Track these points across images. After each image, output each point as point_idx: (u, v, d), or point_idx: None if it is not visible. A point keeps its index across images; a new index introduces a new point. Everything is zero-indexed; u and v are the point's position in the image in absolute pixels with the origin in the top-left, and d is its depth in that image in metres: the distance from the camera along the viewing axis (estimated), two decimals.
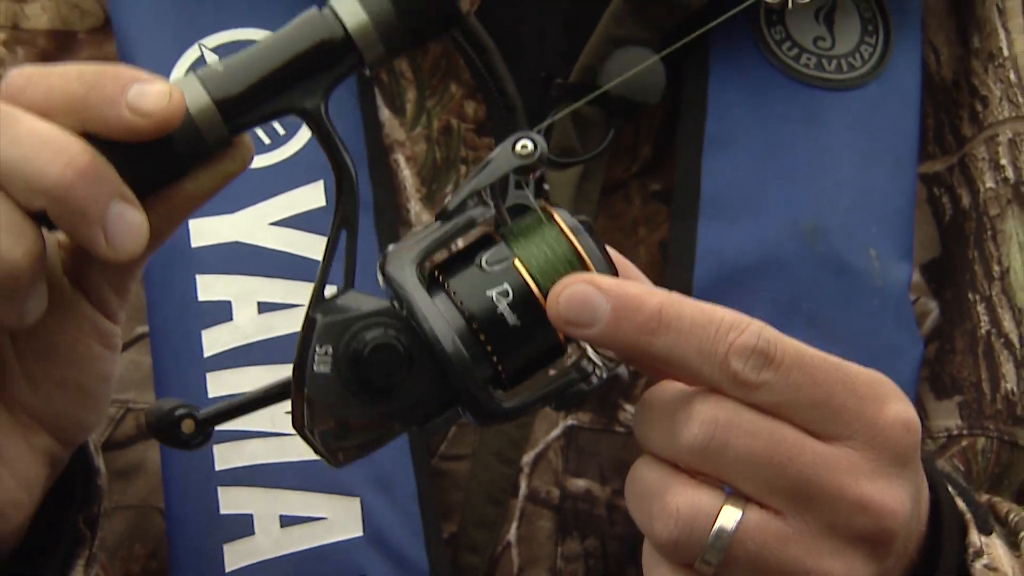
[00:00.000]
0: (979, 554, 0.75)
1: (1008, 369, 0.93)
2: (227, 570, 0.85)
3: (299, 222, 0.87)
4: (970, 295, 0.93)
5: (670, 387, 0.69)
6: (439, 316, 0.67)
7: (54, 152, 0.63)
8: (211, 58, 0.90)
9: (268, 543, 0.85)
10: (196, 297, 0.87)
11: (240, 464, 0.85)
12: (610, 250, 0.70)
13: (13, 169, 0.63)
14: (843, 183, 0.91)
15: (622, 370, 0.70)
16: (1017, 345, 0.93)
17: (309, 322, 0.68)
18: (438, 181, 0.90)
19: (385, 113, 0.91)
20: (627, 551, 0.88)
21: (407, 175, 0.90)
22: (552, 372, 0.71)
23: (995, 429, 0.92)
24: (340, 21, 0.66)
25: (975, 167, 0.95)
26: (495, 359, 0.68)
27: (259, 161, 0.88)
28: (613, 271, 0.69)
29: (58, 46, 0.92)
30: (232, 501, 0.85)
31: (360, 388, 0.67)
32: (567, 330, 0.67)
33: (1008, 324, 0.93)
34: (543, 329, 0.68)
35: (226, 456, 0.85)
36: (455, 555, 0.87)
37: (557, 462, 0.88)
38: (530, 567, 0.88)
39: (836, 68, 0.93)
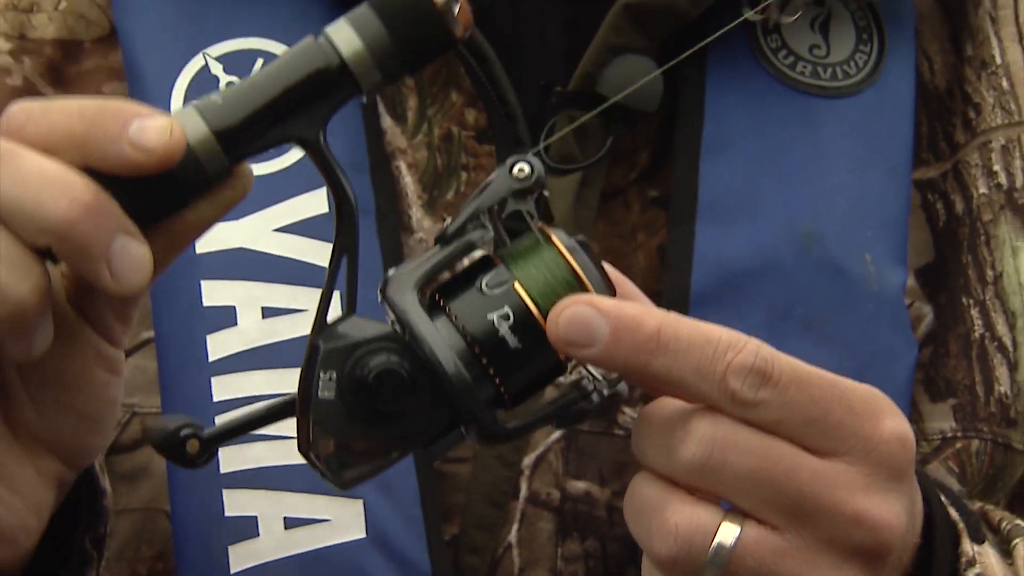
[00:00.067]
0: (971, 563, 0.76)
1: (1002, 372, 0.94)
2: (232, 571, 0.85)
3: (302, 228, 0.88)
4: (964, 299, 0.94)
5: (668, 404, 0.70)
6: (441, 340, 0.68)
7: (58, 190, 0.64)
8: (216, 67, 0.91)
9: (272, 545, 0.85)
10: (201, 302, 0.87)
11: (245, 467, 0.85)
12: (608, 268, 0.71)
13: (18, 207, 0.64)
14: (839, 189, 0.92)
15: (622, 387, 0.71)
16: (1010, 349, 0.94)
17: (312, 348, 0.69)
18: (439, 187, 0.91)
19: (387, 121, 0.92)
20: (627, 552, 0.89)
21: (408, 182, 0.91)
22: (554, 388, 0.72)
23: (989, 431, 0.93)
24: (336, 49, 0.67)
25: (968, 173, 0.96)
26: (497, 381, 0.68)
27: (262, 168, 0.88)
28: (611, 290, 0.69)
29: (64, 56, 0.93)
30: (237, 503, 0.86)
31: (364, 413, 0.68)
32: (567, 351, 0.68)
33: (1001, 328, 0.94)
34: (544, 350, 0.68)
35: (231, 459, 0.86)
36: (456, 556, 0.87)
37: (557, 464, 0.89)
38: (531, 568, 0.88)
39: (831, 76, 0.94)
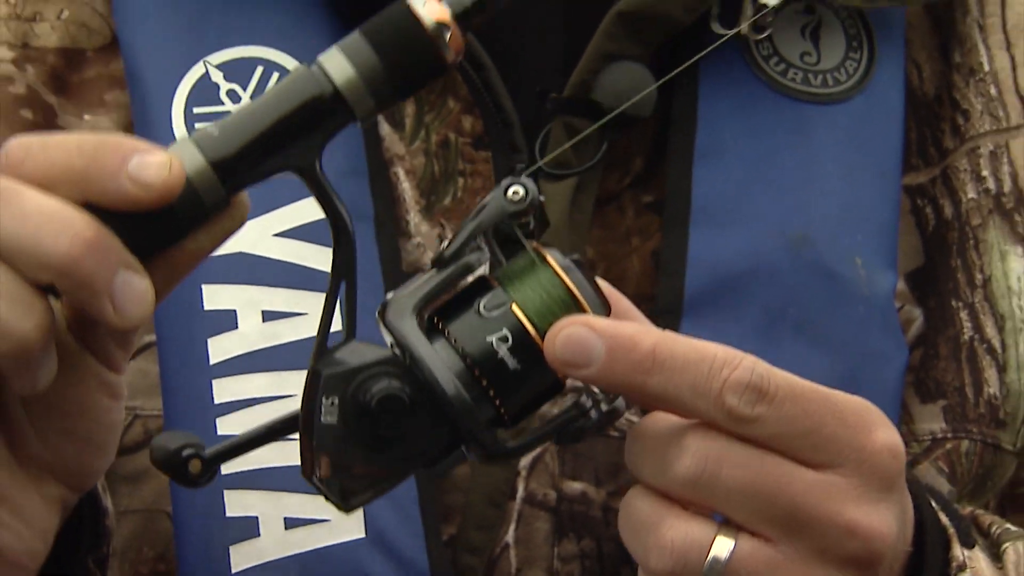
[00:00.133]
0: (962, 568, 0.77)
1: (991, 374, 0.95)
2: (233, 571, 0.86)
3: (301, 233, 0.89)
4: (953, 303, 0.95)
5: (661, 419, 0.70)
6: (441, 362, 0.68)
7: (59, 227, 0.64)
8: (216, 75, 0.91)
9: (273, 544, 0.86)
10: (202, 306, 0.88)
11: (246, 468, 0.85)
12: (604, 285, 0.71)
13: (20, 245, 0.64)
14: (830, 193, 0.93)
15: (620, 403, 0.72)
16: (999, 351, 0.95)
17: (313, 375, 0.69)
18: (436, 193, 0.92)
19: (385, 128, 0.92)
20: (622, 552, 0.88)
21: (406, 187, 0.92)
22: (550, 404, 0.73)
23: (978, 432, 0.94)
24: (329, 77, 0.67)
25: (957, 179, 0.97)
26: (497, 402, 0.69)
27: None
28: (607, 308, 0.70)
29: (67, 64, 0.94)
30: (238, 504, 0.86)
31: (367, 438, 0.69)
32: (564, 371, 0.69)
33: (990, 331, 0.95)
34: (542, 370, 0.69)
35: (232, 460, 0.87)
36: (455, 556, 0.88)
37: (553, 465, 0.90)
38: (528, 567, 0.89)
39: (822, 82, 0.95)
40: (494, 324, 0.69)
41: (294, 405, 0.72)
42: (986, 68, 0.99)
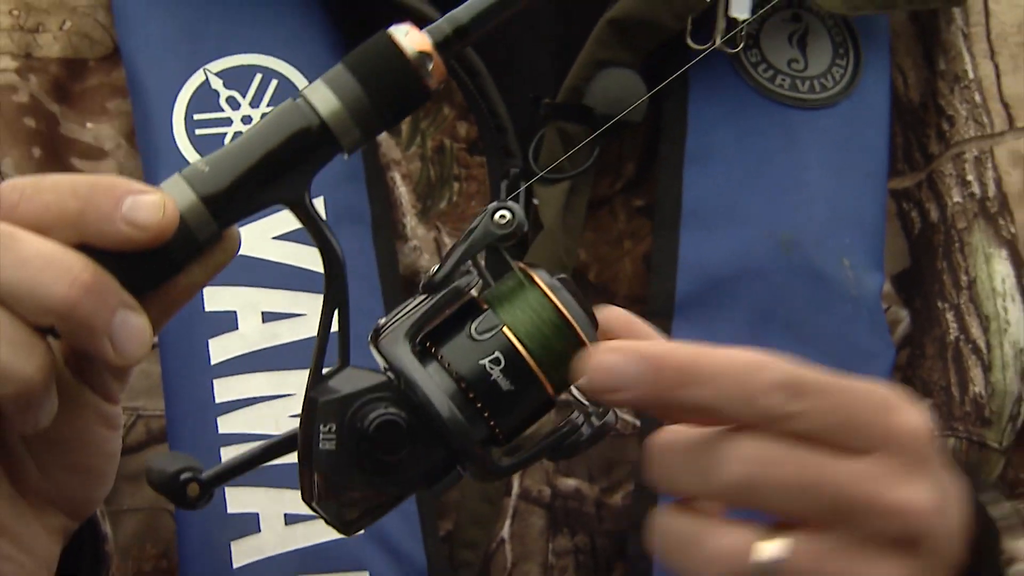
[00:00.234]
0: (1011, 561, 0.78)
1: (976, 374, 0.96)
2: (234, 567, 0.87)
3: (300, 235, 0.89)
4: (939, 304, 0.97)
5: (683, 431, 0.70)
6: (435, 386, 0.69)
7: (58, 272, 0.64)
8: (216, 82, 0.93)
9: (273, 540, 0.87)
10: (202, 307, 0.89)
11: None
12: (618, 311, 0.72)
13: (19, 290, 0.65)
14: (817, 196, 0.94)
15: (610, 417, 0.72)
16: (984, 351, 0.96)
17: (310, 402, 0.70)
18: (432, 197, 0.93)
19: (381, 133, 0.94)
20: (615, 547, 0.91)
21: (403, 192, 0.93)
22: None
23: (964, 430, 0.96)
24: (314, 109, 0.67)
25: (943, 183, 0.99)
26: (492, 423, 0.70)
27: None
28: (595, 325, 0.70)
29: (69, 74, 0.95)
30: (239, 501, 0.87)
31: (365, 463, 0.69)
32: (600, 398, 0.69)
33: (976, 331, 0.96)
34: (535, 389, 0.70)
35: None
36: (451, 551, 0.89)
37: (548, 462, 0.91)
38: (523, 562, 0.90)
39: (809, 88, 0.96)
40: (486, 347, 0.69)
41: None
42: (971, 75, 1.00)
